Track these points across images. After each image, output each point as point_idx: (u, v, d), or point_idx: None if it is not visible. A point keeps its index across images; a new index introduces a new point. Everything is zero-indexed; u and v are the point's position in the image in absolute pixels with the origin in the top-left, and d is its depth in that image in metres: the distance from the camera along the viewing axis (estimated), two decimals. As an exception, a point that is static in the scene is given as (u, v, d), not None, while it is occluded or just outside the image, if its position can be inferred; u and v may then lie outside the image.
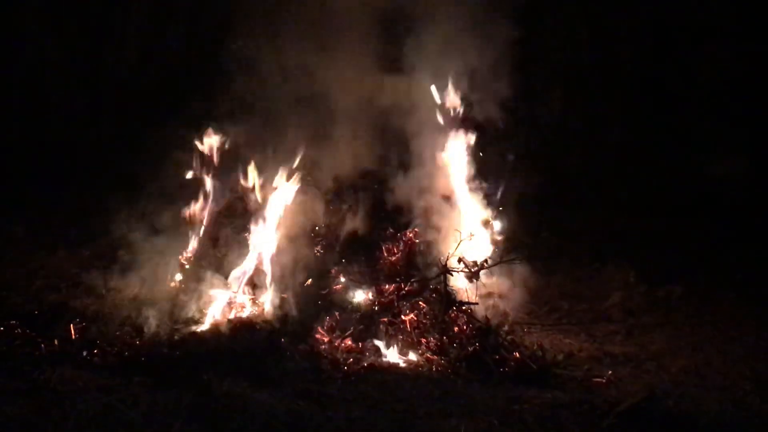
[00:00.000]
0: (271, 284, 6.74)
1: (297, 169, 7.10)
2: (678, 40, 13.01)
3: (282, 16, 7.50)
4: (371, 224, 7.10)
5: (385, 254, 7.00)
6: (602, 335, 7.29)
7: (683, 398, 5.69)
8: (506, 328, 6.72)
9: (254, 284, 6.83)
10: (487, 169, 7.86)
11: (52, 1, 13.72)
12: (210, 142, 7.48)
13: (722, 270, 9.03)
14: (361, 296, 6.74)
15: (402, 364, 6.14)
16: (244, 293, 6.79)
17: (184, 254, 7.27)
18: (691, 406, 5.57)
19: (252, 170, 7.17)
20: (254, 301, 6.74)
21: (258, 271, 6.88)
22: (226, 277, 6.85)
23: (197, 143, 7.51)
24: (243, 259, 6.95)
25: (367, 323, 6.47)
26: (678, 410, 5.49)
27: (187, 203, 7.45)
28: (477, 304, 6.72)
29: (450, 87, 7.73)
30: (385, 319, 6.49)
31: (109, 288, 7.30)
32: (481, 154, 7.80)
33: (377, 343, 6.33)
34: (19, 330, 6.23)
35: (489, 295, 7.28)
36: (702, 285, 8.54)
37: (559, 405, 5.38)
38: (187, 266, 7.17)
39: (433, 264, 6.94)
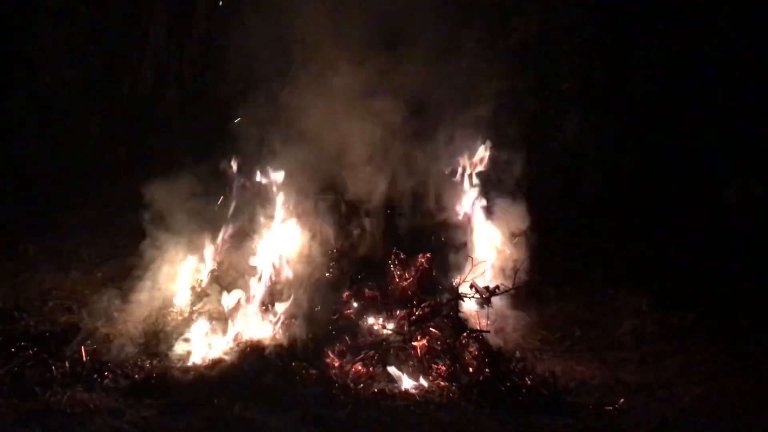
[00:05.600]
0: (282, 308, 6.74)
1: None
2: (693, 65, 13.01)
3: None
4: (383, 249, 7.09)
5: (397, 279, 6.99)
6: (614, 362, 7.24)
7: (696, 428, 5.64)
8: (518, 354, 6.70)
9: (265, 308, 6.83)
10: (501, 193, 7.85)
11: (69, 24, 13.90)
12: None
13: (736, 297, 8.95)
14: (372, 321, 6.73)
15: (412, 391, 6.11)
16: (255, 317, 6.78)
17: (196, 277, 7.29)
18: (704, 435, 5.54)
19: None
20: (265, 325, 6.73)
21: (269, 294, 6.89)
22: (237, 301, 6.86)
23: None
24: (254, 282, 6.97)
25: (377, 348, 6.46)
26: (691, 440, 5.45)
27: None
28: (488, 331, 6.70)
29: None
30: (396, 345, 6.47)
31: (121, 310, 7.30)
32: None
33: (388, 368, 6.31)
34: (31, 351, 6.25)
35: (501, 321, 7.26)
36: (716, 312, 8.46)
37: (571, 433, 5.35)
38: (198, 289, 7.18)
39: (445, 289, 6.92)
